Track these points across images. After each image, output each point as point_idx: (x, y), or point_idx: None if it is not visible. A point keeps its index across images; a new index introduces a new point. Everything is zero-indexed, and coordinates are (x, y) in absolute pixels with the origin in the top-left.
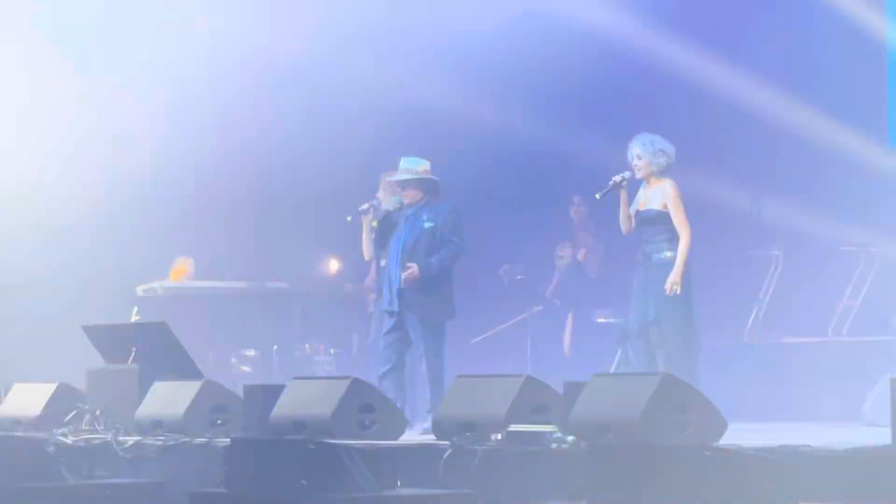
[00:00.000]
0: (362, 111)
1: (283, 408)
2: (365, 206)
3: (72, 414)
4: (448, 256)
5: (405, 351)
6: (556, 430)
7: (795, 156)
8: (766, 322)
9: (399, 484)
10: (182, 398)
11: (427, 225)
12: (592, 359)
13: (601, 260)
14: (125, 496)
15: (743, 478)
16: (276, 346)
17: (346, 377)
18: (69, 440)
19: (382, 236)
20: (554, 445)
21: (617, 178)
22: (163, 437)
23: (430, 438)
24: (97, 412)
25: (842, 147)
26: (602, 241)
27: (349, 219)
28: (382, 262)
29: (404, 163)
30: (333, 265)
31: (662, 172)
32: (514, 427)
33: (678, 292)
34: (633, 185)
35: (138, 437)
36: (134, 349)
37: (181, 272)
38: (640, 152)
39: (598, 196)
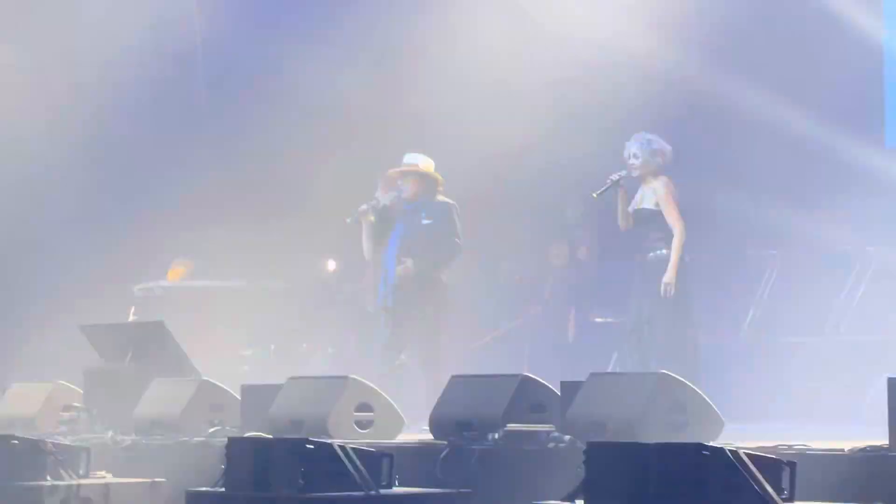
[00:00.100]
0: (360, 111)
1: (281, 407)
2: (364, 207)
3: (69, 413)
4: (444, 254)
5: (402, 351)
6: (553, 429)
7: (792, 155)
8: (764, 321)
9: (396, 483)
10: (179, 397)
11: (425, 222)
12: (590, 358)
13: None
14: (123, 495)
15: (740, 477)
16: (273, 346)
17: (343, 376)
18: (67, 439)
19: (380, 232)
20: (551, 445)
21: (614, 176)
22: (160, 437)
23: (427, 437)
24: (95, 411)
25: (839, 146)
26: (600, 240)
27: (349, 220)
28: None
29: (408, 158)
30: (331, 264)
31: (659, 171)
32: (511, 426)
33: (671, 293)
34: (634, 184)
35: (136, 437)
36: (131, 348)
37: (179, 274)
38: (637, 151)
39: (595, 195)
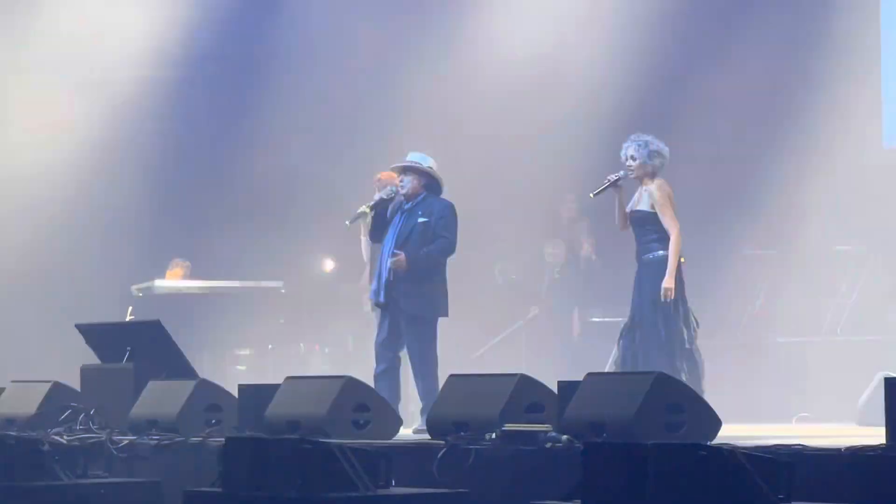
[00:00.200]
0: (358, 111)
1: (278, 407)
2: (362, 210)
3: (66, 413)
4: (437, 251)
5: (399, 350)
6: (550, 429)
7: (790, 154)
8: (760, 321)
9: (393, 483)
10: (177, 397)
11: (421, 220)
12: (587, 358)
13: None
14: (120, 495)
15: (737, 477)
16: (270, 346)
17: (340, 376)
18: (64, 439)
19: (376, 228)
20: (548, 445)
21: (612, 176)
22: (157, 437)
23: (424, 438)
24: (92, 411)
25: (837, 145)
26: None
27: (348, 223)
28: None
29: (412, 155)
30: (328, 264)
31: (656, 173)
32: (508, 426)
33: (671, 297)
34: (632, 185)
35: (133, 437)
36: (129, 348)
37: (176, 276)
38: (634, 153)
39: (592, 195)
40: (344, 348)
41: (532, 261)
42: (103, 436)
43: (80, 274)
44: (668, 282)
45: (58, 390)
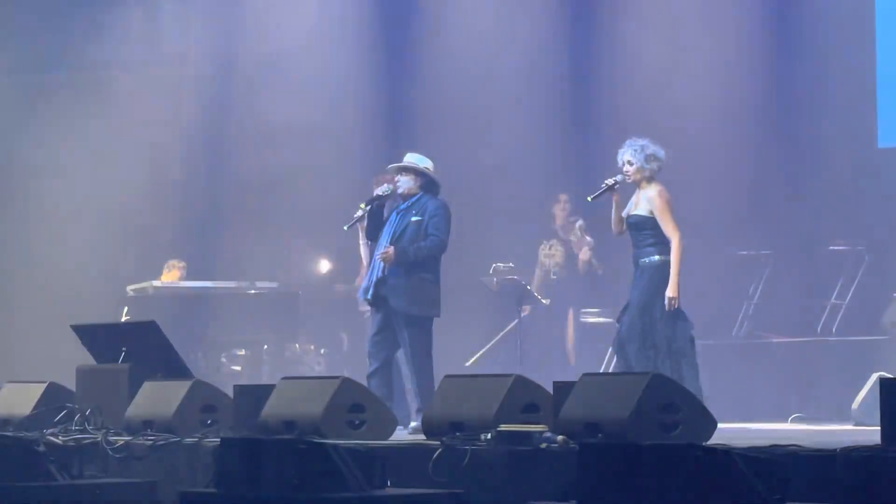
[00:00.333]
0: (354, 111)
1: (273, 407)
2: (360, 213)
3: (62, 413)
4: (427, 248)
5: (393, 350)
6: (546, 429)
7: (785, 154)
8: (756, 321)
9: (389, 483)
10: (172, 398)
11: (414, 219)
12: (584, 359)
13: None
14: (115, 496)
15: (732, 478)
16: (266, 346)
17: (336, 377)
18: (59, 440)
19: (372, 226)
20: (544, 445)
21: (609, 181)
22: (153, 437)
23: (419, 438)
24: (87, 412)
25: (831, 145)
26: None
27: (346, 228)
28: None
29: (409, 156)
30: (324, 265)
31: (653, 177)
32: (503, 427)
33: (676, 306)
34: (628, 189)
35: (128, 437)
36: (124, 349)
37: (172, 277)
38: (631, 158)
39: (590, 199)
40: (339, 349)
41: (529, 261)
42: (99, 436)
43: (75, 274)
44: (672, 290)
45: (53, 391)
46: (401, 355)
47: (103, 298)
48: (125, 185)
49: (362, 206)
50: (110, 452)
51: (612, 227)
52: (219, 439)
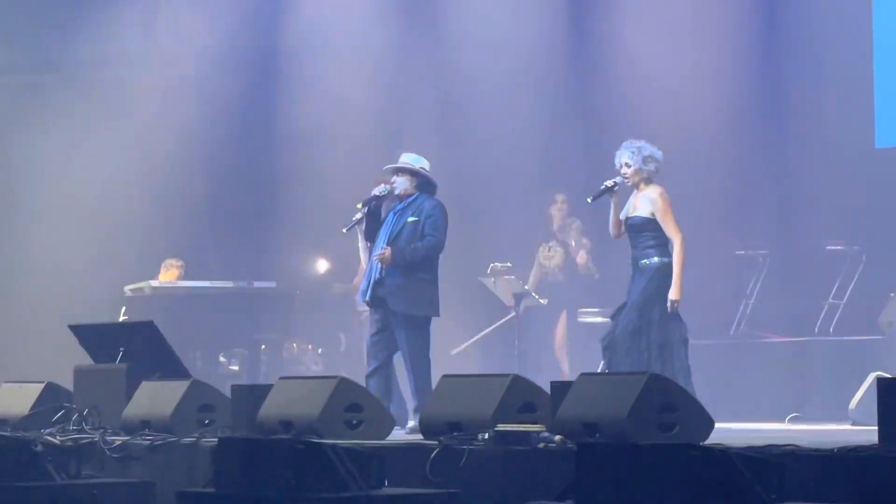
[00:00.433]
0: (353, 111)
1: (271, 407)
2: (359, 216)
3: (59, 413)
4: (423, 248)
5: (392, 350)
6: (543, 429)
7: (782, 154)
8: (753, 321)
9: (386, 483)
10: (169, 398)
11: (410, 219)
12: (582, 359)
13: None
14: (113, 496)
15: (729, 478)
16: (263, 346)
17: (333, 377)
18: (57, 440)
19: (371, 229)
20: (541, 445)
21: (609, 182)
22: (150, 437)
23: (417, 438)
24: (85, 412)
25: (828, 146)
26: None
27: (345, 230)
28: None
29: (405, 157)
30: (322, 265)
31: (651, 178)
32: (501, 426)
33: (677, 308)
34: (625, 191)
35: (126, 437)
36: (121, 349)
37: (170, 277)
38: (628, 160)
39: (589, 200)
40: (337, 349)
41: (526, 262)
42: (96, 436)
43: (72, 274)
44: (675, 293)
45: (51, 391)
46: (399, 355)
47: (101, 298)
48: (122, 185)
49: (359, 207)
50: (108, 452)
51: (611, 229)
52: (216, 439)
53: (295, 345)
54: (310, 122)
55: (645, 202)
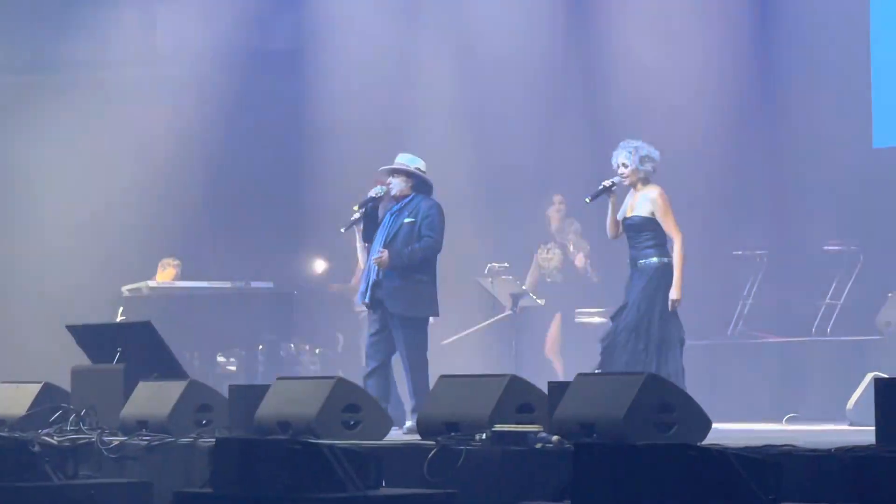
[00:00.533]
0: (352, 111)
1: (268, 408)
2: (357, 216)
3: (57, 414)
4: (420, 249)
5: (390, 350)
6: (540, 430)
7: (779, 155)
8: (750, 321)
9: (384, 484)
10: (167, 398)
11: (407, 220)
12: (579, 359)
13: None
14: (110, 496)
15: (727, 478)
16: (261, 346)
17: (331, 377)
18: (54, 440)
19: (369, 230)
20: (538, 445)
21: (607, 182)
22: (148, 437)
23: (414, 438)
24: (82, 412)
25: (826, 146)
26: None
27: (343, 230)
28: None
29: (401, 157)
30: (320, 265)
31: (649, 178)
32: (498, 427)
33: (678, 307)
34: (623, 191)
35: (123, 437)
36: (119, 349)
37: (167, 277)
38: (625, 160)
39: (588, 200)
40: (334, 349)
41: (523, 262)
42: (94, 436)
43: (70, 275)
44: (676, 293)
45: (48, 391)
46: (397, 356)
47: (98, 298)
48: (119, 185)
49: (356, 208)
50: (105, 453)
51: (608, 230)
52: (214, 439)
53: (292, 345)
54: (309, 122)
55: (644, 202)
